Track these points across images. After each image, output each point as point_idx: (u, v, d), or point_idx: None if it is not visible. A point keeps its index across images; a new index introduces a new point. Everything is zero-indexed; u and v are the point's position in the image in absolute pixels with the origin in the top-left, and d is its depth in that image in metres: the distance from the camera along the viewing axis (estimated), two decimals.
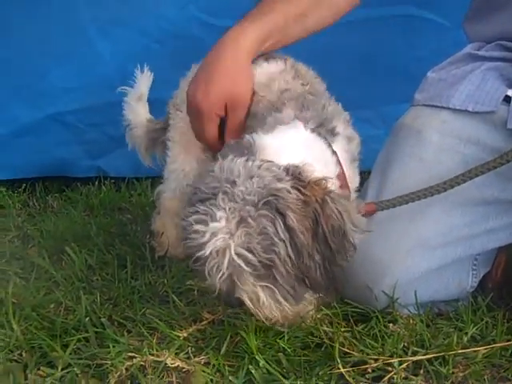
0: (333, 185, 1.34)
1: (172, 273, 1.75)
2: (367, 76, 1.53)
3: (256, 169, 1.28)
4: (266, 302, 1.30)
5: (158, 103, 1.93)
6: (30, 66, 2.26)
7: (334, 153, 1.45)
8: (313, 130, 1.44)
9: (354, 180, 1.54)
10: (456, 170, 1.52)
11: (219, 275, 1.28)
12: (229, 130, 1.64)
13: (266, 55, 1.69)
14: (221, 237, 1.25)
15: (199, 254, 1.28)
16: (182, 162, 1.79)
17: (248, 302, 1.31)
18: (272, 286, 1.29)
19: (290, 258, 1.26)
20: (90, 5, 2.27)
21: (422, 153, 1.58)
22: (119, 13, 2.28)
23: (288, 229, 1.25)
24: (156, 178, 2.28)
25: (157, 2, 2.30)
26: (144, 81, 1.91)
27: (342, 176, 1.44)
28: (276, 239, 1.25)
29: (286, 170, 1.29)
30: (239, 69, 1.62)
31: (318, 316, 1.52)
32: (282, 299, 1.30)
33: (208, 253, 1.26)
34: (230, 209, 1.25)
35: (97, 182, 2.43)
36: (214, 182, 1.30)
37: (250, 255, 1.25)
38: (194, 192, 1.33)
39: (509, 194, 1.56)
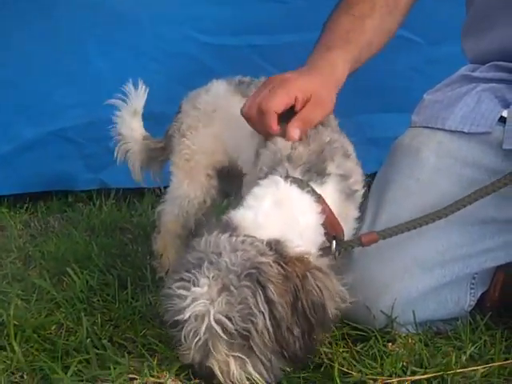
0: (313, 258, 1.36)
1: None
2: (344, 87, 1.59)
3: (240, 244, 1.33)
4: (236, 373, 1.32)
5: (155, 118, 1.97)
6: (32, 85, 2.36)
7: (319, 199, 1.44)
8: (294, 181, 1.43)
9: (349, 214, 1.54)
10: (452, 191, 1.54)
11: (195, 340, 1.31)
12: (299, 118, 1.52)
13: None
14: (201, 302, 1.29)
15: (178, 317, 1.31)
16: (186, 188, 1.81)
17: (217, 372, 1.33)
18: (245, 357, 1.32)
19: (267, 330, 1.30)
20: (90, 26, 2.37)
21: (419, 173, 1.60)
22: (117, 33, 2.38)
23: (268, 301, 1.29)
24: (157, 198, 2.33)
25: (153, 22, 2.40)
26: (139, 96, 1.92)
27: (329, 222, 1.45)
28: (255, 310, 1.29)
29: (269, 244, 1.33)
30: (331, 83, 1.58)
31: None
32: (252, 371, 1.32)
33: (187, 317, 1.30)
34: (213, 276, 1.29)
35: (98, 203, 2.45)
36: (199, 253, 1.35)
37: (228, 323, 1.28)
38: (181, 263, 1.38)
39: (505, 213, 1.58)
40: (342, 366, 1.43)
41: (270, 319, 1.28)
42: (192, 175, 1.80)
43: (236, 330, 1.28)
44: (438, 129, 1.63)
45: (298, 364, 1.38)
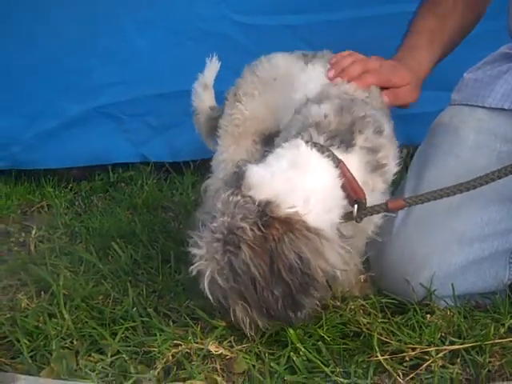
0: (312, 219, 1.39)
1: None
2: None
3: (232, 206, 1.40)
4: (244, 319, 1.43)
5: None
6: (76, 64, 2.46)
7: (339, 165, 1.46)
8: (316, 146, 1.46)
9: (375, 186, 1.54)
10: (491, 168, 1.54)
11: (205, 293, 1.43)
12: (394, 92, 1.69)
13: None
14: (201, 263, 1.41)
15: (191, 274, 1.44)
16: (232, 152, 1.82)
17: (231, 315, 1.44)
18: (246, 305, 1.42)
19: (250, 289, 1.38)
20: (129, 7, 2.46)
21: (459, 151, 1.62)
22: (155, 13, 2.46)
23: (244, 263, 1.37)
24: (197, 178, 2.38)
25: (190, 2, 2.47)
26: (211, 69, 1.94)
27: (349, 185, 1.46)
28: (239, 270, 1.38)
29: (259, 205, 1.39)
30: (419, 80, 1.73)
31: (352, 307, 1.56)
32: (255, 317, 1.42)
33: (195, 273, 1.43)
34: (207, 241, 1.41)
35: (139, 183, 2.51)
36: (207, 211, 1.46)
37: (222, 281, 1.40)
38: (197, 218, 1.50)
39: None
40: (381, 336, 1.46)
41: (248, 279, 1.37)
42: (239, 140, 1.81)
43: (231, 286, 1.39)
44: (478, 106, 1.64)
45: (286, 322, 1.44)
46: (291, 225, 1.37)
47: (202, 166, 2.59)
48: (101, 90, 2.51)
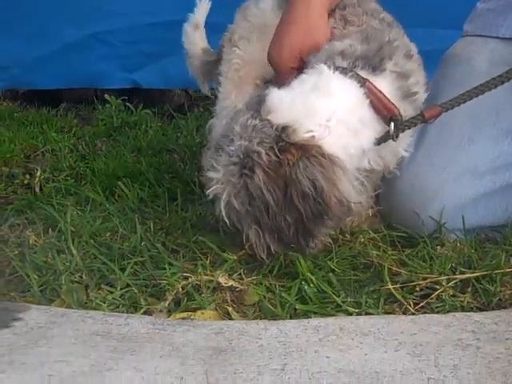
0: (325, 142, 1.37)
1: None
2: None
3: (250, 130, 1.39)
4: (257, 243, 1.43)
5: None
6: None
7: (365, 84, 1.43)
8: (338, 69, 1.44)
9: (407, 114, 1.49)
10: (506, 98, 1.52)
11: (221, 216, 1.44)
12: None
13: None
14: (218, 186, 1.42)
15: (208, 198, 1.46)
16: (234, 98, 1.80)
17: (245, 239, 1.45)
18: (259, 229, 1.42)
19: (263, 213, 1.38)
20: None
21: (472, 81, 1.57)
22: None
23: (258, 187, 1.37)
24: (200, 117, 2.36)
25: None
26: (201, 9, 1.92)
27: (379, 103, 1.43)
28: (254, 194, 1.37)
29: (277, 129, 1.37)
30: (312, 22, 1.60)
31: (362, 240, 1.56)
32: (269, 243, 1.43)
33: (211, 197, 1.44)
34: (224, 164, 1.40)
35: (143, 127, 2.49)
36: (224, 134, 1.45)
37: (238, 205, 1.40)
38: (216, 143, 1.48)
39: None
40: (392, 267, 1.46)
41: (262, 203, 1.37)
42: (240, 85, 1.79)
43: (246, 209, 1.40)
44: (491, 37, 1.61)
45: (298, 249, 1.45)
46: (307, 151, 1.35)
47: (207, 111, 2.59)
48: (98, 17, 2.63)
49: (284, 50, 1.60)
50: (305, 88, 1.44)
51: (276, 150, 1.36)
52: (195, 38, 1.94)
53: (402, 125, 1.44)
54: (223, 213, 1.42)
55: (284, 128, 1.37)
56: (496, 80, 1.46)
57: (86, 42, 2.66)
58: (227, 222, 1.43)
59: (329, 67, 1.45)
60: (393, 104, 1.44)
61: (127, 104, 2.70)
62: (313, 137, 1.36)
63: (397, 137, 1.44)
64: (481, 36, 1.64)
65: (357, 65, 1.45)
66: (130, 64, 2.70)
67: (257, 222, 1.42)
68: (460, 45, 1.67)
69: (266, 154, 1.36)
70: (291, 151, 1.35)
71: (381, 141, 1.45)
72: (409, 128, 1.46)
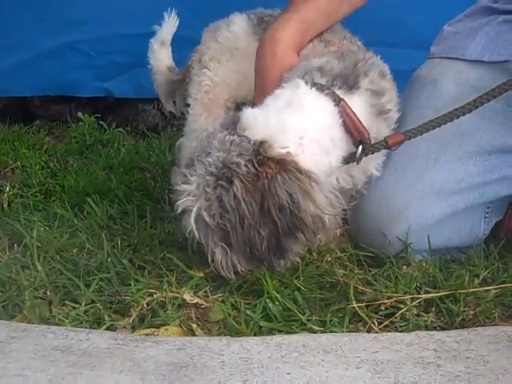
0: (304, 161, 1.39)
1: None
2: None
3: (228, 144, 1.40)
4: (222, 261, 1.43)
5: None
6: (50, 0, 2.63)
7: (340, 103, 1.45)
8: (315, 85, 1.46)
9: (380, 131, 1.54)
10: (471, 120, 1.54)
11: (188, 231, 1.43)
12: None
13: None
14: (189, 199, 1.41)
15: (176, 211, 1.44)
16: (204, 121, 1.81)
17: (210, 258, 1.45)
18: (226, 248, 1.42)
19: (237, 226, 1.38)
20: None
21: (438, 103, 1.61)
22: None
23: (234, 198, 1.37)
24: (174, 137, 2.36)
25: None
26: (169, 26, 1.92)
27: (351, 124, 1.46)
28: (228, 207, 1.37)
29: (254, 144, 1.39)
30: (284, 67, 1.61)
31: (329, 259, 1.56)
32: (234, 260, 1.43)
33: (180, 210, 1.42)
34: (199, 176, 1.40)
35: (116, 145, 2.48)
36: (199, 149, 1.46)
37: (208, 218, 1.39)
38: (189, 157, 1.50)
39: None
40: (357, 286, 1.46)
41: (237, 215, 1.36)
42: (210, 108, 1.80)
43: (216, 224, 1.39)
44: (458, 59, 1.64)
45: (268, 266, 1.44)
46: (284, 165, 1.36)
47: (180, 130, 2.58)
48: (73, 27, 2.65)
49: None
50: (278, 104, 1.45)
51: (255, 163, 1.36)
52: (161, 55, 1.95)
53: (367, 149, 1.47)
54: (193, 226, 1.41)
55: (261, 143, 1.39)
56: (458, 111, 1.50)
57: (61, 51, 2.68)
58: (196, 235, 1.42)
59: (306, 82, 1.46)
60: (364, 127, 1.46)
61: (101, 122, 2.69)
62: (288, 152, 1.38)
63: (360, 160, 1.46)
64: (447, 58, 1.66)
65: (335, 84, 1.48)
66: (103, 73, 2.73)
67: (225, 239, 1.41)
68: (426, 67, 1.70)
69: (245, 165, 1.36)
70: (269, 165, 1.36)
71: (347, 161, 1.47)
72: (372, 153, 1.49)
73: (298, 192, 1.36)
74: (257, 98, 1.62)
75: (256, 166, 1.37)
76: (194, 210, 1.40)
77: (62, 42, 2.66)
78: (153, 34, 1.96)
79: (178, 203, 1.42)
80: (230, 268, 1.43)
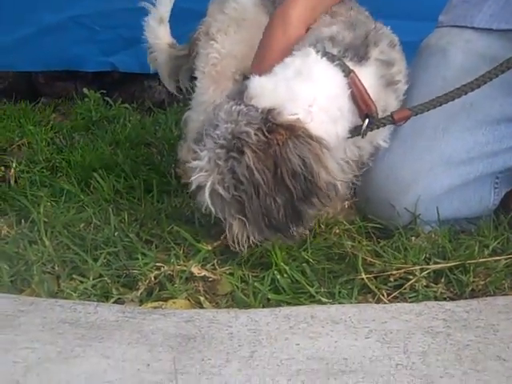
0: (314, 128, 1.37)
1: None
2: None
3: (235, 114, 1.38)
4: (238, 234, 1.41)
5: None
6: None
7: (350, 75, 1.44)
8: (327, 55, 1.44)
9: (388, 103, 1.52)
10: (480, 90, 1.51)
11: (204, 206, 1.41)
12: None
13: None
14: (202, 174, 1.38)
15: (191, 188, 1.42)
16: (212, 94, 1.78)
17: (227, 232, 1.43)
18: (244, 219, 1.39)
19: (253, 195, 1.36)
20: None
21: (446, 72, 1.59)
22: None
23: (247, 167, 1.34)
24: (180, 112, 2.34)
25: None
26: (165, 2, 1.89)
27: (359, 96, 1.44)
28: (242, 178, 1.35)
29: (262, 113, 1.37)
30: (291, 41, 1.59)
31: (337, 231, 1.55)
32: (252, 233, 1.40)
33: (194, 187, 1.40)
34: (209, 150, 1.38)
35: (122, 121, 2.47)
36: (207, 123, 1.43)
37: (223, 191, 1.37)
38: (197, 132, 1.48)
39: None
40: (366, 258, 1.45)
41: (251, 185, 1.35)
42: (218, 80, 1.77)
43: (232, 196, 1.37)
44: (466, 27, 1.61)
45: (287, 235, 1.43)
46: (295, 131, 1.34)
47: (186, 106, 2.56)
48: (77, 1, 2.63)
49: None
50: (287, 73, 1.43)
51: (264, 131, 1.34)
52: (160, 33, 1.92)
53: (372, 124, 1.45)
54: (208, 201, 1.39)
55: (270, 110, 1.37)
56: (466, 86, 1.47)
57: (64, 26, 2.66)
58: (212, 210, 1.40)
59: (317, 51, 1.44)
60: (371, 101, 1.44)
61: (106, 98, 2.67)
62: (298, 119, 1.36)
63: (365, 134, 1.45)
64: (456, 26, 1.63)
65: (346, 55, 1.46)
66: (108, 48, 2.70)
67: (241, 211, 1.39)
68: (435, 35, 1.67)
69: (255, 134, 1.34)
70: (280, 131, 1.34)
71: (353, 134, 1.46)
72: (377, 128, 1.48)
73: (310, 157, 1.34)
74: (255, 64, 1.60)
75: (266, 133, 1.34)
76: (208, 184, 1.37)
77: (65, 16, 2.64)
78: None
79: (191, 178, 1.40)
80: (246, 240, 1.41)
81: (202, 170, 1.38)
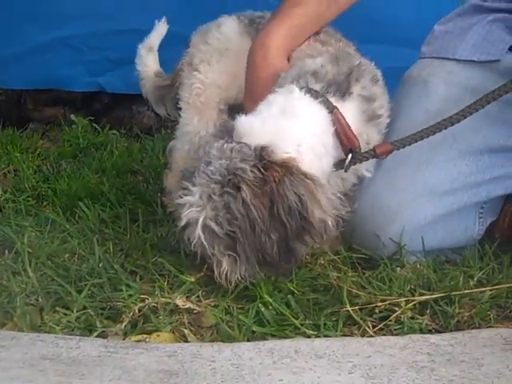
0: (306, 165, 1.39)
1: None
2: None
3: (228, 151, 1.39)
4: (228, 271, 1.41)
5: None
6: None
7: (333, 111, 1.46)
8: (310, 92, 1.46)
9: (370, 137, 1.54)
10: (461, 121, 1.53)
11: (193, 242, 1.41)
12: None
13: None
14: (193, 210, 1.38)
15: (180, 224, 1.42)
16: (196, 124, 1.79)
17: (214, 267, 1.43)
18: (235, 255, 1.40)
19: (248, 231, 1.36)
20: None
21: (428, 104, 1.60)
22: None
23: (243, 203, 1.35)
24: (167, 139, 2.34)
25: None
26: (158, 31, 1.91)
27: (343, 132, 1.46)
28: (237, 213, 1.36)
29: (255, 150, 1.38)
30: (273, 69, 1.61)
31: (322, 262, 1.55)
32: (241, 269, 1.41)
33: (184, 223, 1.40)
34: (202, 185, 1.38)
35: (109, 147, 2.47)
36: (198, 162, 1.44)
37: (216, 227, 1.37)
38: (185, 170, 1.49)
39: None
40: (351, 289, 1.45)
41: (247, 221, 1.35)
42: (202, 110, 1.78)
43: (225, 232, 1.37)
44: (448, 59, 1.63)
45: (278, 271, 1.44)
46: (290, 168, 1.36)
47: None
48: (65, 22, 2.68)
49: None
50: (272, 110, 1.44)
51: (260, 167, 1.36)
52: (148, 61, 1.94)
53: (355, 158, 1.47)
54: (201, 237, 1.38)
55: (263, 148, 1.38)
56: (446, 121, 1.49)
57: (53, 46, 2.70)
58: (205, 245, 1.39)
59: (301, 88, 1.46)
60: (354, 136, 1.46)
61: (94, 125, 2.68)
62: (291, 157, 1.38)
63: (348, 169, 1.47)
64: (438, 58, 1.65)
65: (329, 91, 1.47)
66: (96, 69, 2.74)
67: (232, 248, 1.39)
68: (417, 67, 1.69)
69: (251, 170, 1.35)
70: (275, 168, 1.36)
71: (337, 168, 1.47)
72: (360, 162, 1.49)
73: (305, 194, 1.35)
74: (247, 103, 1.61)
75: (262, 170, 1.35)
76: (201, 220, 1.37)
77: (54, 36, 2.69)
78: (145, 30, 1.96)
79: (180, 216, 1.40)
80: (234, 277, 1.41)
81: (193, 206, 1.38)
